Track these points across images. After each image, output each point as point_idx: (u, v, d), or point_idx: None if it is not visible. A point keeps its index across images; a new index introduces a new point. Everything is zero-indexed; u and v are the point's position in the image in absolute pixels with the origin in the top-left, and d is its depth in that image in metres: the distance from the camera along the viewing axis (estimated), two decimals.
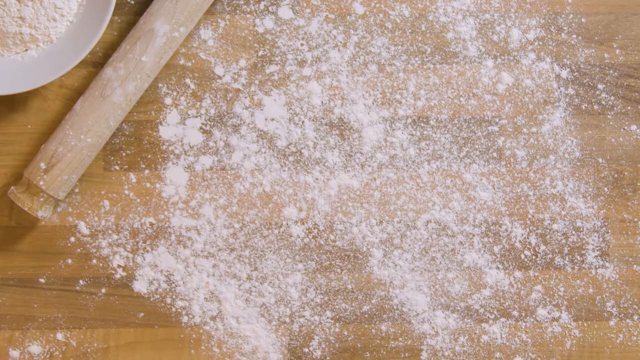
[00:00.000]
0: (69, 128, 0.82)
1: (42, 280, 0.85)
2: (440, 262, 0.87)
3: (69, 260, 0.85)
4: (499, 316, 0.86)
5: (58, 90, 0.86)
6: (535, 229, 0.87)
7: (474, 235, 0.87)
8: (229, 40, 0.88)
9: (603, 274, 0.87)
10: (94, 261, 0.85)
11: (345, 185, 0.87)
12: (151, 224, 0.86)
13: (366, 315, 0.86)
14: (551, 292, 0.87)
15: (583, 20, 0.89)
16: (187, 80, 0.87)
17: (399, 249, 0.87)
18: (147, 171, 0.86)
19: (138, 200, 0.86)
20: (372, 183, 0.87)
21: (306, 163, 0.87)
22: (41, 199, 0.82)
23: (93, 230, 0.86)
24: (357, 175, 0.87)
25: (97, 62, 0.87)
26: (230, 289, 0.86)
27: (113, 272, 0.85)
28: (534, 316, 0.87)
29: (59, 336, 0.85)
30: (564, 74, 0.89)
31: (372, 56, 0.88)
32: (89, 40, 0.82)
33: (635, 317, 0.87)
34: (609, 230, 0.87)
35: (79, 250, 0.85)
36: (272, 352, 0.85)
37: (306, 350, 0.85)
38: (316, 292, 0.86)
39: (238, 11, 0.88)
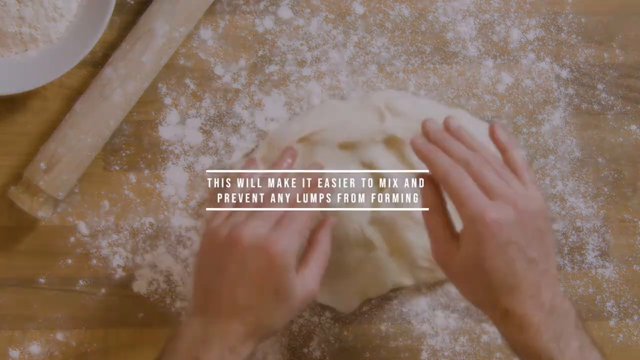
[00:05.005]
0: (69, 128, 0.82)
1: (42, 280, 0.85)
2: None
3: (69, 260, 0.85)
4: None
5: (58, 90, 0.86)
6: None
7: None
8: (228, 40, 0.88)
9: (603, 274, 0.87)
10: (94, 261, 0.85)
11: None
12: (151, 224, 0.86)
13: (366, 315, 0.86)
14: None
15: (583, 20, 0.89)
16: (187, 81, 0.87)
17: None
18: (147, 171, 0.86)
19: (138, 200, 0.86)
20: None
21: None
22: (41, 199, 0.82)
23: (93, 230, 0.86)
24: None
25: (97, 62, 0.87)
26: None
27: (113, 272, 0.85)
28: None
29: (59, 336, 0.85)
30: (564, 73, 0.89)
31: (372, 56, 0.88)
32: (89, 40, 0.82)
33: (635, 317, 0.87)
34: (609, 230, 0.87)
35: (79, 250, 0.85)
36: (272, 353, 0.85)
37: (306, 350, 0.85)
38: None
39: (238, 11, 0.88)
